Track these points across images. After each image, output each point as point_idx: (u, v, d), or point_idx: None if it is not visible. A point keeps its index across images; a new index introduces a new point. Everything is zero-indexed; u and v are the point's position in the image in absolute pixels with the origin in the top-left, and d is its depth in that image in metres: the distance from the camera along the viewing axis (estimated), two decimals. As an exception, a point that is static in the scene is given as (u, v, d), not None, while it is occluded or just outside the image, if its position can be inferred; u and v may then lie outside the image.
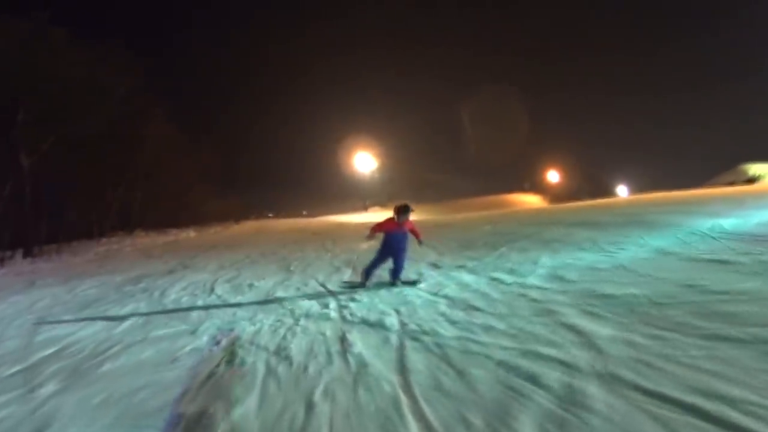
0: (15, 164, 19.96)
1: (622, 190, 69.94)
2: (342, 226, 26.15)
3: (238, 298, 7.52)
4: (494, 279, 7.36)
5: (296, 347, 4.68)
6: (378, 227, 8.08)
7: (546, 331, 4.50)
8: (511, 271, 7.85)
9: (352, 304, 6.42)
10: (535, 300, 5.78)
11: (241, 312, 6.53)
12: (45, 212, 21.54)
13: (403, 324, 5.23)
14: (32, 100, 19.63)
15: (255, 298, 7.48)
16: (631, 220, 13.27)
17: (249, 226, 33.18)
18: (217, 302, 7.38)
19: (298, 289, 7.97)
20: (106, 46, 23.28)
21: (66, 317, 7.26)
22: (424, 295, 6.64)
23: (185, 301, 7.70)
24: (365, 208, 51.84)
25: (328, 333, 5.09)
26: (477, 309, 5.62)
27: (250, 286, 8.60)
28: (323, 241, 16.95)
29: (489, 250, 10.86)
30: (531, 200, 71.89)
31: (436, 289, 7.00)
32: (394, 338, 4.74)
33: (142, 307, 7.52)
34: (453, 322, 5.14)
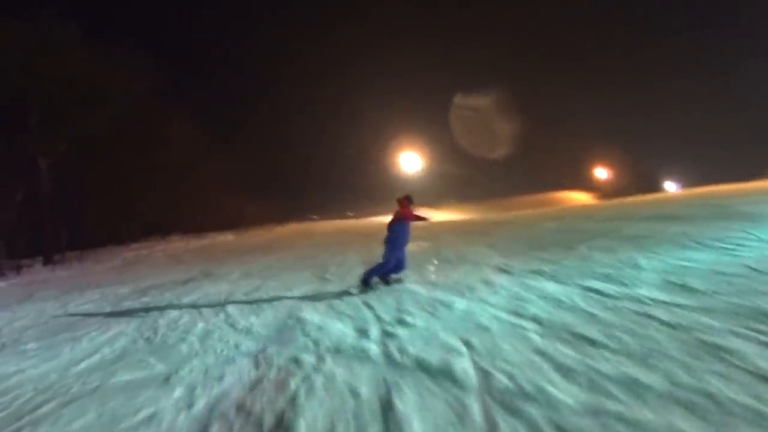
0: (31, 167, 18.95)
1: (669, 186, 65.96)
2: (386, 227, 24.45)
3: (251, 320, 5.69)
4: (590, 289, 5.42)
5: (309, 424, 2.77)
6: (416, 218, 7.83)
7: (744, 395, 2.53)
8: (608, 278, 5.91)
9: (400, 330, 4.49)
10: (670, 325, 3.87)
11: (247, 343, 4.69)
12: (65, 217, 20.51)
13: (483, 372, 3.26)
14: (47, 101, 18.59)
15: (272, 319, 5.62)
16: (716, 211, 11.67)
17: (291, 228, 31.91)
18: (222, 326, 5.57)
19: (331, 305, 6.08)
20: (124, 44, 22.26)
21: (30, 345, 5.63)
22: (501, 316, 4.67)
23: (183, 323, 5.93)
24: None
25: (364, 391, 3.15)
26: (589, 341, 3.68)
27: (272, 301, 6.78)
28: (369, 243, 15.15)
29: (564, 250, 8.94)
30: (580, 198, 68.82)
31: (516, 305, 5.03)
32: (475, 408, 2.78)
33: (128, 331, 5.80)
34: (564, 370, 3.17)
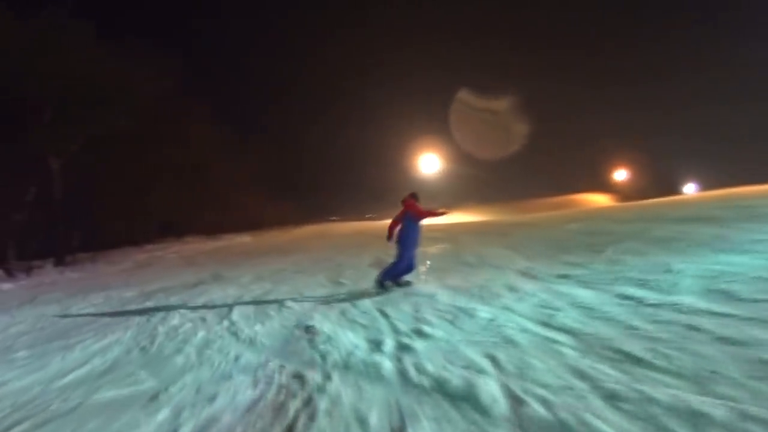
0: (43, 167, 18.76)
1: (689, 188, 64.53)
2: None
3: (256, 329, 5.25)
4: (625, 296, 4.91)
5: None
6: (428, 213, 7.45)
7: None
8: (643, 284, 5.39)
9: (418, 343, 4.01)
10: (723, 339, 3.34)
11: (248, 355, 4.25)
12: (79, 218, 20.28)
13: (513, 398, 2.77)
14: (59, 99, 18.37)
15: (279, 329, 5.17)
16: (744, 213, 11.02)
17: (310, 230, 31.65)
18: (225, 335, 5.14)
19: (344, 312, 5.62)
20: (139, 42, 22.03)
21: (20, 353, 5.27)
22: (529, 326, 4.17)
23: (184, 331, 5.51)
24: None
25: (374, 419, 2.67)
26: (634, 359, 3.18)
27: (281, 307, 6.34)
28: (386, 245, 14.70)
29: (590, 252, 8.43)
30: (599, 200, 67.70)
31: (545, 314, 4.54)
32: (508, 447, 2.29)
33: (124, 339, 5.41)
34: (609, 396, 2.70)
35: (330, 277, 8.92)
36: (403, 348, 3.91)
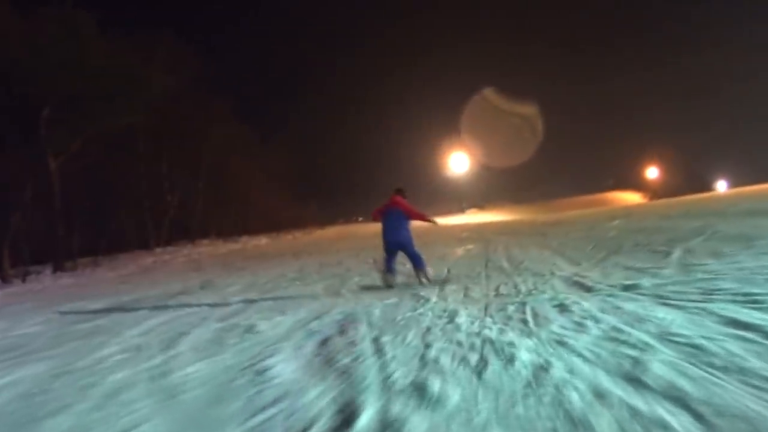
0: (43, 167, 17.66)
1: (721, 185, 62.25)
2: (435, 229, 22.28)
3: (195, 368, 3.66)
4: (737, 323, 3.17)
5: None
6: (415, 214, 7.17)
7: None
8: (753, 301, 3.64)
9: (414, 419, 2.32)
10: None
11: (155, 422, 2.67)
12: (85, 221, 19.27)
13: None
14: (59, 94, 17.27)
15: (221, 371, 3.52)
16: None
17: (334, 231, 30.58)
18: (143, 380, 3.54)
19: (324, 345, 3.98)
20: (146, 35, 21.02)
21: None
22: (607, 387, 2.44)
23: (100, 370, 3.93)
24: (462, 210, 48.35)
25: None
26: None
27: (246, 332, 4.75)
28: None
29: (650, 254, 6.85)
30: (631, 198, 65.71)
31: (626, 357, 2.84)
32: None
33: (26, 378, 3.90)
34: None
35: (330, 287, 7.42)
36: (387, 428, 2.25)
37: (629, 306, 3.99)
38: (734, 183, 57.02)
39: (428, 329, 4.03)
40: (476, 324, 3.99)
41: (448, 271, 7.71)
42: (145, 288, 10.15)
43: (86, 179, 19.83)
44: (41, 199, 17.41)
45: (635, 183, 71.94)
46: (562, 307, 4.19)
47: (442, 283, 6.55)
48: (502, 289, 5.50)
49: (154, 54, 21.67)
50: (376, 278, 7.39)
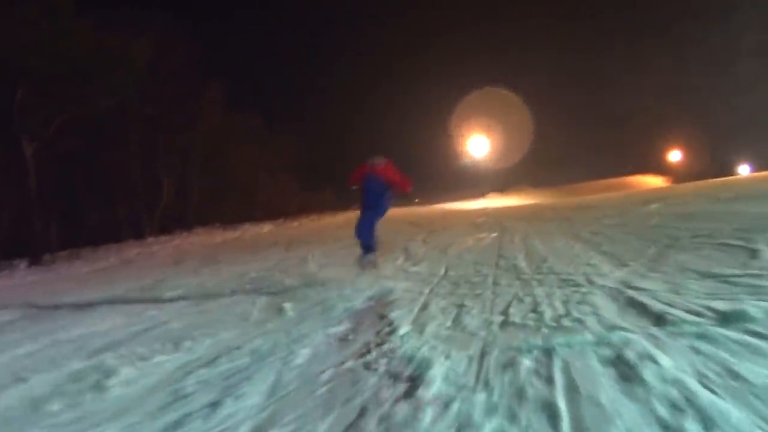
0: (18, 155, 16.31)
1: (744, 169, 60.83)
2: (448, 214, 21.30)
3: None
4: None
5: None
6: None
7: None
8: None
9: None
10: None
11: None
12: (58, 210, 17.89)
13: None
14: (32, 78, 15.92)
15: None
16: None
17: (345, 217, 29.32)
18: None
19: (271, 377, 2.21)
20: (137, 12, 19.56)
21: None
22: None
23: None
24: (482, 195, 46.77)
25: None
26: None
27: (137, 364, 3.01)
28: (414, 235, 11.42)
29: (727, 252, 4.75)
30: (654, 181, 64.10)
31: None
32: None
33: None
34: None
35: (271, 305, 5.41)
36: None
37: (756, 367, 2.13)
38: (757, 167, 55.26)
39: (386, 398, 2.22)
40: (451, 413, 2.12)
41: (446, 271, 5.86)
42: (98, 288, 8.52)
43: (75, 168, 18.55)
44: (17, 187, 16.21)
45: (656, 166, 70.25)
46: (623, 368, 2.32)
47: (427, 293, 4.72)
48: (514, 312, 3.61)
49: (140, 33, 20.18)
50: (342, 285, 5.61)
